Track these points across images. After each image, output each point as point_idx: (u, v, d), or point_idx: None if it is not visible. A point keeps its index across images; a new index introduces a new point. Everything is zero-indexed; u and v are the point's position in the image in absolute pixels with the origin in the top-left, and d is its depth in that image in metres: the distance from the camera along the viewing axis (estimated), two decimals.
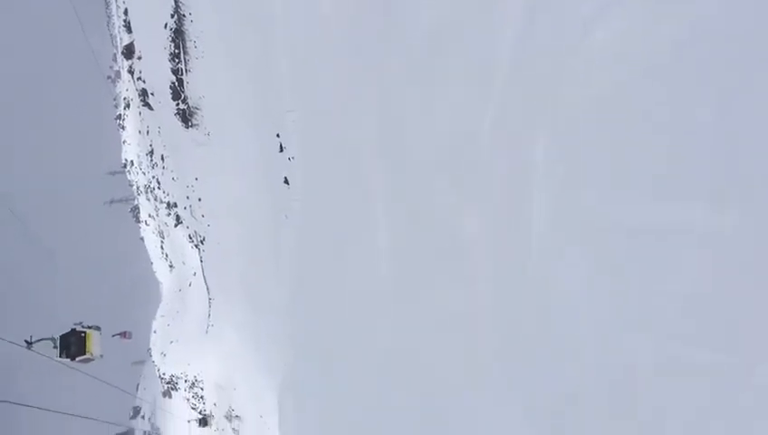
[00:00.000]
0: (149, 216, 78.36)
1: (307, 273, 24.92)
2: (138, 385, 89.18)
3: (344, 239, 19.20)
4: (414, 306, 13.53)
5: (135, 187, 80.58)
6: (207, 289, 61.35)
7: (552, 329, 7.38)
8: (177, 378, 72.88)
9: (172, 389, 74.13)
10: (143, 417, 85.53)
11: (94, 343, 18.82)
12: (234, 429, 59.55)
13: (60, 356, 18.60)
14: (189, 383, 71.27)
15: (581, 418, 6.46)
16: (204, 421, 49.61)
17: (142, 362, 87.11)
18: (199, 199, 55.37)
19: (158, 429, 78.43)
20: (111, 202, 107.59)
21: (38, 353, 18.20)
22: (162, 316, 76.85)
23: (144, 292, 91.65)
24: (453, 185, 11.05)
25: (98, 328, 19.23)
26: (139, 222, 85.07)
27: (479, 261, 10.15)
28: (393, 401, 15.17)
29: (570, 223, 7.32)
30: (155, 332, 77.63)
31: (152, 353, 76.01)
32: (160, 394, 76.30)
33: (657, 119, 6.10)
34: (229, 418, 60.18)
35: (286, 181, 29.55)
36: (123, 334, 21.73)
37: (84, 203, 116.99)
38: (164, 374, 74.36)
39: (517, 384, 8.22)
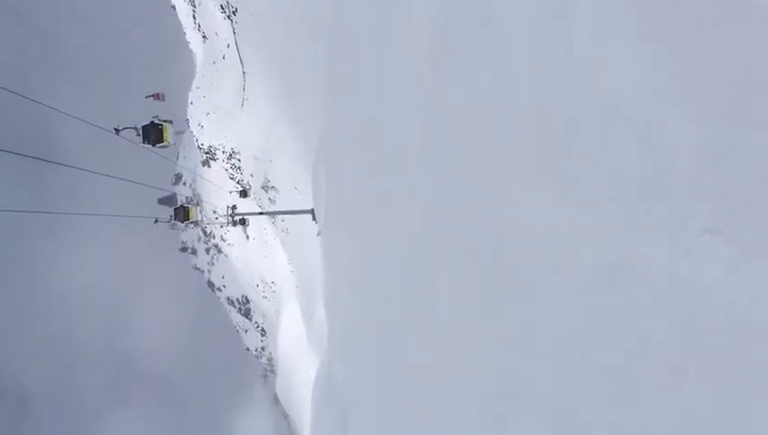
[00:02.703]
0: None
1: (344, 45, 24.27)
2: (178, 154, 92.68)
3: (380, 12, 18.37)
4: (450, 95, 13.24)
5: None
6: (241, 62, 60.78)
7: (596, 110, 7.19)
8: (215, 149, 75.39)
9: (211, 159, 77.10)
10: (185, 183, 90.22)
11: (170, 133, 23.42)
12: (270, 199, 62.88)
13: (143, 143, 22.89)
14: (227, 154, 73.86)
15: (621, 191, 6.53)
16: (244, 193, 53.43)
17: (181, 132, 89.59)
18: None
19: (199, 195, 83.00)
20: None
21: (125, 139, 22.02)
22: (198, 88, 77.30)
23: (177, 60, 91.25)
24: None
25: (170, 121, 23.48)
26: None
27: (518, 43, 9.64)
28: (425, 178, 15.48)
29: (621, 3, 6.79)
30: (191, 103, 78.66)
31: (190, 124, 77.79)
32: (200, 163, 79.53)
33: None
34: (266, 188, 63.24)
35: None
36: (156, 96, 22.57)
37: None
38: (202, 144, 76.79)
39: (555, 167, 8.24)
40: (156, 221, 26.82)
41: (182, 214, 28.12)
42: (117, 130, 21.23)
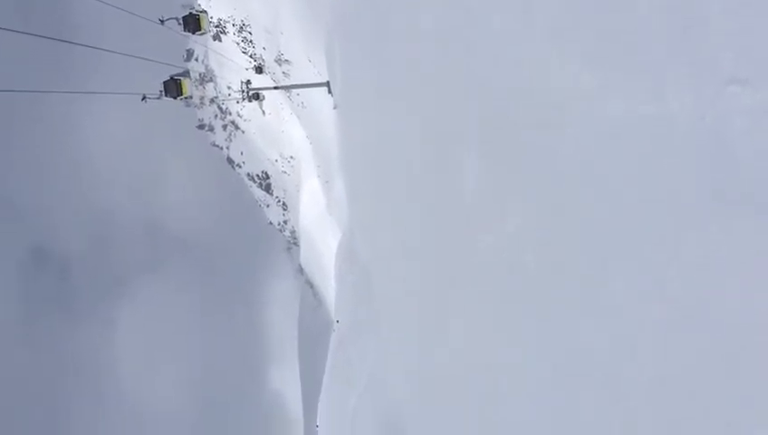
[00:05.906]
0: None
1: None
2: None
3: None
4: None
5: None
6: None
7: None
8: (225, 22, 73.16)
9: (221, 32, 75.00)
10: (196, 59, 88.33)
11: (205, 22, 28.14)
12: (284, 72, 61.59)
13: (184, 31, 27.08)
14: (237, 27, 71.74)
15: (647, 44, 6.34)
16: (259, 69, 52.54)
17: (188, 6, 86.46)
18: None
19: (213, 70, 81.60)
20: None
21: (140, 17, 23.89)
22: None
23: None
24: None
25: (205, 12, 28.50)
26: None
27: None
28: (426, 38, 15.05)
29: None
30: None
31: None
32: (210, 38, 77.51)
33: None
34: (279, 62, 61.77)
35: None
36: None
37: None
38: (211, 18, 74.45)
39: (580, 28, 7.96)
40: (143, 99, 24.05)
41: (173, 88, 25.36)
42: (161, 21, 24.28)
